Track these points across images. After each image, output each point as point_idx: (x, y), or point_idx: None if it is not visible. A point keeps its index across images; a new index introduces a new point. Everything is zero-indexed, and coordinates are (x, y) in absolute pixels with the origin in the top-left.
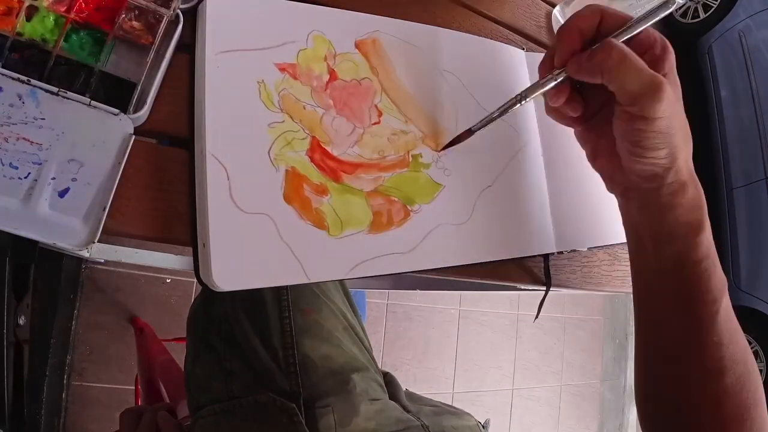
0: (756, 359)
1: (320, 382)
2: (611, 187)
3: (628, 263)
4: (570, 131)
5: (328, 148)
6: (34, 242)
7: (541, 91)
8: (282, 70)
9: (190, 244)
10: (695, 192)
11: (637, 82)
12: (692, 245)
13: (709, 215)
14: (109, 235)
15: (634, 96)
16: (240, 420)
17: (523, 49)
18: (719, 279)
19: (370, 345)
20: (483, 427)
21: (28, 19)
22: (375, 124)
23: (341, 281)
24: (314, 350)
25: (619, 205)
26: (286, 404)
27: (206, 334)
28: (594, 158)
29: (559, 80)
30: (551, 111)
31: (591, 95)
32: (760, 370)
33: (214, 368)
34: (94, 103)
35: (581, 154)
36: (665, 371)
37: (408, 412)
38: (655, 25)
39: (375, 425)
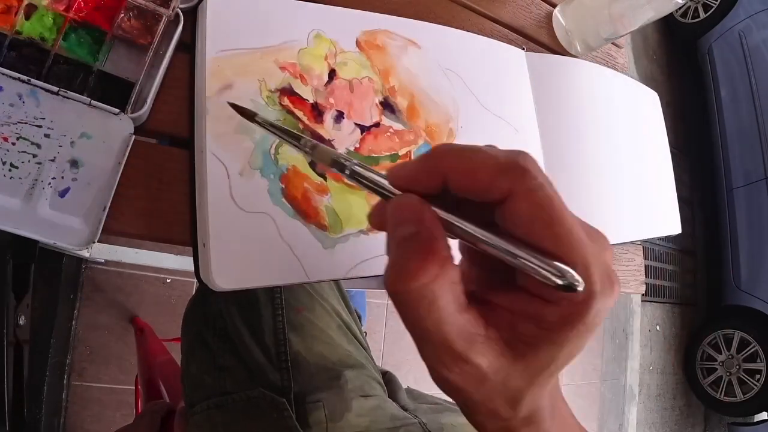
0: (756, 359)
1: (312, 377)
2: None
3: (628, 264)
4: (571, 132)
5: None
6: (34, 242)
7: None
8: (283, 69)
9: (190, 244)
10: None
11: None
12: None
13: (709, 215)
14: (109, 235)
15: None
16: (232, 415)
17: (523, 49)
18: None
19: (367, 344)
20: None
21: (27, 17)
22: (376, 122)
23: (336, 280)
24: (306, 347)
25: None
26: (276, 399)
27: (200, 331)
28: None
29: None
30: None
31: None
32: (760, 370)
33: (207, 365)
34: (94, 102)
35: (581, 154)
36: None
37: (406, 410)
38: (655, 25)
39: (368, 422)
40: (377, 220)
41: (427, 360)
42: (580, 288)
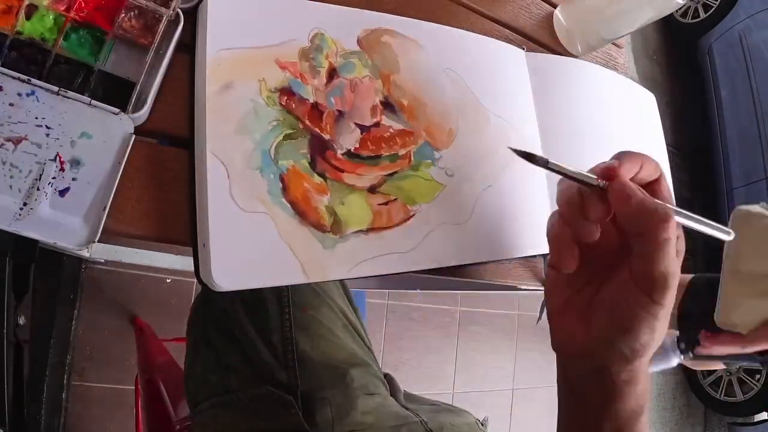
0: (756, 359)
1: (318, 375)
2: (561, 346)
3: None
4: (571, 132)
5: (329, 147)
6: (34, 242)
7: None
8: (283, 68)
9: (190, 244)
10: (646, 380)
11: (672, 265)
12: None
13: (709, 215)
14: (109, 235)
15: (663, 277)
16: (238, 413)
17: (523, 49)
18: None
19: (370, 343)
20: (482, 424)
21: (28, 17)
22: (376, 122)
23: (341, 280)
24: (313, 346)
25: (561, 364)
26: (283, 397)
27: (205, 330)
28: (559, 313)
29: (596, 186)
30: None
31: (600, 242)
32: (760, 370)
33: (212, 363)
34: (94, 102)
35: (580, 154)
36: None
37: (407, 409)
38: (655, 25)
39: (373, 419)
40: (568, 201)
41: (650, 292)
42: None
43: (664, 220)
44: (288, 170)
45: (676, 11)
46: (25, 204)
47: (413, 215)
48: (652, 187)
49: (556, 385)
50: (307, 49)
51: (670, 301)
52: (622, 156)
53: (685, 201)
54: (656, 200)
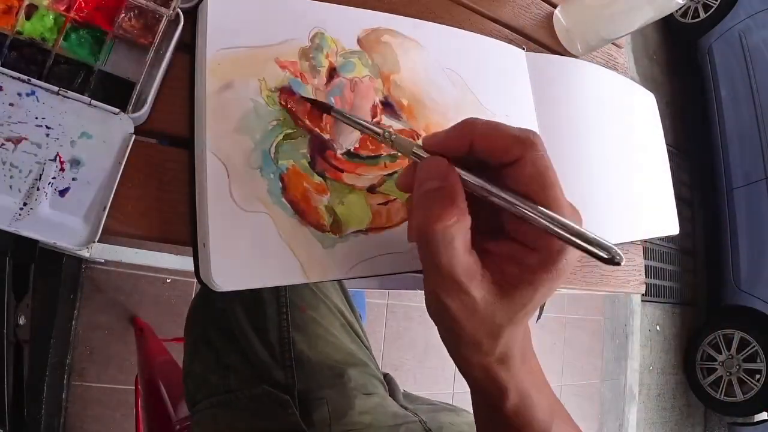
0: (756, 359)
1: (315, 375)
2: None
3: (628, 263)
4: (571, 132)
5: (329, 147)
6: (34, 242)
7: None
8: (283, 67)
9: (190, 244)
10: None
11: (459, 261)
12: None
13: (709, 215)
14: (109, 235)
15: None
16: (236, 413)
17: (523, 49)
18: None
19: (369, 343)
20: None
21: (28, 17)
22: (376, 122)
23: (339, 280)
24: (310, 346)
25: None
26: (280, 396)
27: (205, 330)
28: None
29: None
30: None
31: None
32: (760, 370)
33: (211, 363)
34: (94, 102)
35: (580, 154)
36: None
37: (406, 409)
38: (655, 25)
39: (371, 419)
40: (404, 181)
41: (434, 289)
42: (623, 263)
43: (439, 219)
44: (288, 170)
45: (676, 11)
46: (25, 204)
47: None
48: (513, 168)
49: (555, 384)
50: (307, 49)
51: (472, 292)
52: (453, 128)
53: (685, 201)
54: (450, 183)
